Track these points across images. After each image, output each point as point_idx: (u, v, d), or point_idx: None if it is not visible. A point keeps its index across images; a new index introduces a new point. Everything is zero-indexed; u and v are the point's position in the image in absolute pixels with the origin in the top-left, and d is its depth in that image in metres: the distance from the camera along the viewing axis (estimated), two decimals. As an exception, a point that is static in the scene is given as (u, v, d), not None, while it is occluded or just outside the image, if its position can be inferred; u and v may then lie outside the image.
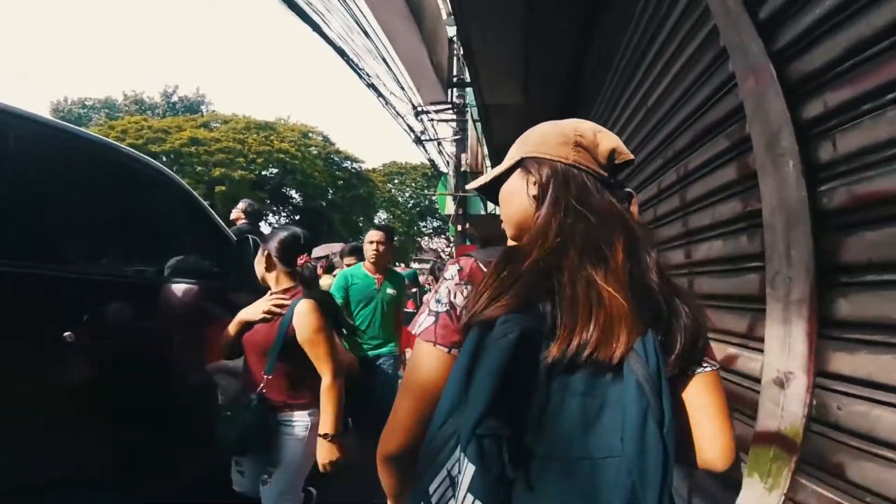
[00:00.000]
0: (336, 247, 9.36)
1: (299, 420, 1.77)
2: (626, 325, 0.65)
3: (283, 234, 1.91)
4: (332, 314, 1.90)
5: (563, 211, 0.75)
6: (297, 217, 29.42)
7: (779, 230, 1.09)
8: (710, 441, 0.72)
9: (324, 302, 1.84)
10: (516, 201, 0.83)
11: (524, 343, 0.62)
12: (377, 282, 3.36)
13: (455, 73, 6.98)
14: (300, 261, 1.90)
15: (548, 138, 0.82)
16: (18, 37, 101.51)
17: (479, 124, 6.58)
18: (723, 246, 1.45)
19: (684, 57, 1.66)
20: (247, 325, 1.83)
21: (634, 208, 0.82)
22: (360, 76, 7.17)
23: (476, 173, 8.42)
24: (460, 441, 0.61)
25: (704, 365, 0.74)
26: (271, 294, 1.86)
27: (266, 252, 1.89)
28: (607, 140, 0.81)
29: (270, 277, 1.89)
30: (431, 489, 0.64)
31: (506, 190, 0.87)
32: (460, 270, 0.76)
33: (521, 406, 0.63)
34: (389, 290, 3.40)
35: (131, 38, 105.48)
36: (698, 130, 1.56)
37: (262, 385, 1.73)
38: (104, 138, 2.15)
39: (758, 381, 1.17)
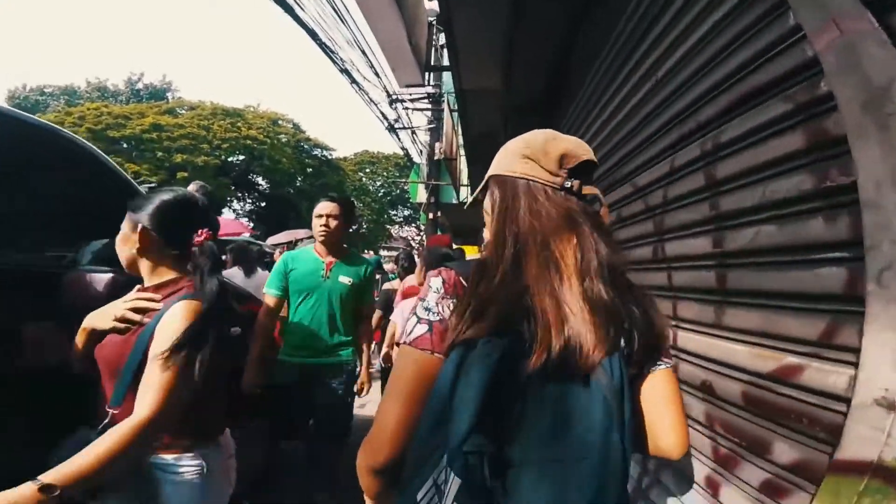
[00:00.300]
0: (301, 232, 9.01)
1: (187, 467, 1.20)
2: (591, 338, 0.70)
3: (163, 198, 1.27)
4: (222, 331, 1.34)
5: (514, 222, 0.80)
6: (263, 204, 28.92)
7: (889, 210, 0.85)
8: (666, 433, 0.78)
9: (215, 309, 1.21)
10: (487, 219, 0.89)
11: (505, 360, 0.67)
12: (325, 267, 2.57)
13: (433, 58, 6.89)
14: (196, 239, 1.29)
15: (503, 155, 0.88)
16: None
17: (455, 113, 6.53)
18: (778, 232, 1.15)
19: (714, 18, 1.42)
20: (96, 335, 1.26)
21: (604, 210, 0.86)
22: (334, 61, 7.01)
23: (450, 160, 8.38)
24: (447, 456, 0.65)
25: (660, 363, 0.79)
26: (138, 289, 1.27)
27: (137, 225, 1.24)
28: (557, 146, 0.84)
29: (144, 265, 1.27)
30: (419, 496, 0.68)
31: (484, 209, 0.92)
32: (444, 283, 0.79)
33: (503, 418, 0.67)
34: (342, 279, 2.57)
35: (98, 26, 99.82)
36: (736, 97, 1.31)
37: (105, 420, 1.13)
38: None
39: (839, 399, 0.95)
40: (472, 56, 3.86)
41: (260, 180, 28.68)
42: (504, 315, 0.70)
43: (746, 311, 1.26)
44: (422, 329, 0.76)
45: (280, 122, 29.52)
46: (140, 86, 34.42)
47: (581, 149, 0.85)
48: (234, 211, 28.50)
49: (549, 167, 0.82)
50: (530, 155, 0.84)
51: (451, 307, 0.75)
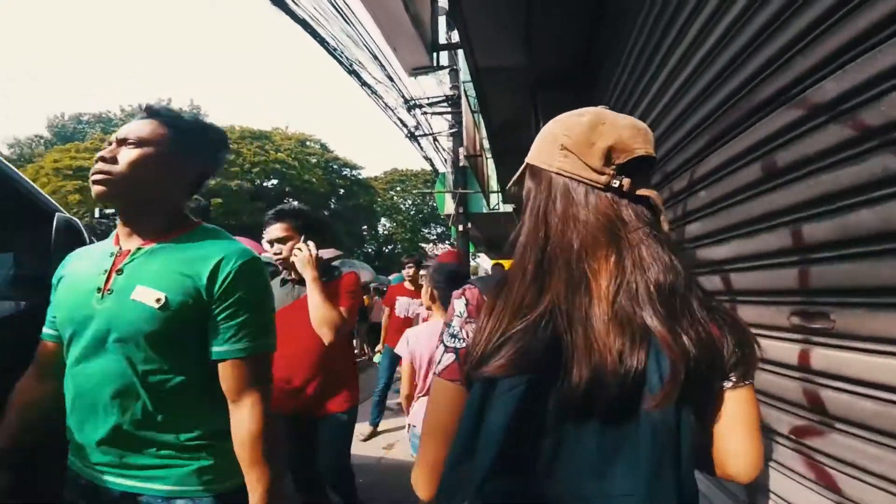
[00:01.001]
0: (327, 253, 8.52)
1: None
2: (624, 368, 0.62)
3: None
4: None
5: (544, 229, 0.70)
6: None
7: None
8: (735, 456, 0.69)
9: None
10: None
11: (529, 395, 0.62)
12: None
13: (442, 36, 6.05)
14: None
15: (541, 141, 0.76)
16: (18, 44, 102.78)
17: (473, 100, 5.77)
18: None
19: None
20: None
21: (663, 217, 0.70)
22: (340, 62, 6.43)
23: (474, 157, 7.54)
24: (468, 499, 0.62)
25: (734, 379, 0.69)
26: None
27: None
28: (606, 135, 0.70)
29: None
30: None
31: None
32: (468, 305, 0.74)
33: (531, 452, 0.63)
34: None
35: (128, 52, 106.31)
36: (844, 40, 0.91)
37: None
38: None
39: None
40: (483, 25, 3.11)
41: (294, 203, 28.71)
42: (524, 349, 0.63)
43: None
44: (449, 358, 0.72)
45: (308, 142, 29.82)
46: (169, 113, 35.52)
47: (636, 139, 0.70)
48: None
49: (593, 162, 0.69)
50: (570, 146, 0.71)
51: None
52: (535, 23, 2.99)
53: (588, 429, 0.63)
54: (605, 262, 0.66)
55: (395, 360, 4.26)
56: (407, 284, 4.76)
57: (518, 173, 0.80)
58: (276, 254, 2.08)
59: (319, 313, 1.90)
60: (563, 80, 3.45)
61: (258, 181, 26.03)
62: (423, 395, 2.33)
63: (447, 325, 0.74)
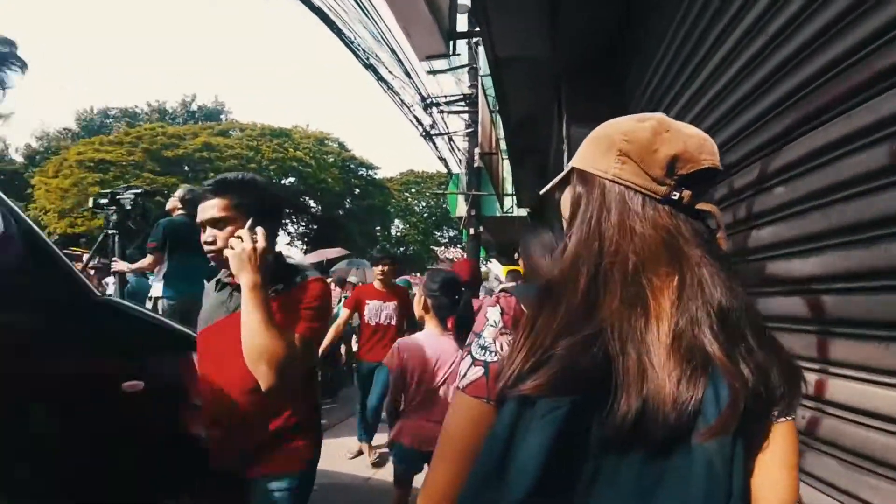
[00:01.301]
0: (332, 252, 8.45)
1: None
2: (679, 397, 0.57)
3: None
4: None
5: (598, 239, 0.65)
6: (315, 226, 29.34)
7: None
8: (772, 490, 0.64)
9: None
10: (564, 224, 0.76)
11: (572, 418, 0.58)
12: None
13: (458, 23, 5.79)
14: None
15: (593, 144, 0.71)
16: (52, 42, 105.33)
17: (492, 99, 5.55)
18: None
19: None
20: None
21: (721, 234, 0.68)
22: (357, 55, 6.30)
23: (489, 155, 7.30)
24: None
25: (776, 413, 0.64)
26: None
27: None
28: (671, 144, 0.64)
29: None
30: None
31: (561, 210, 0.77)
32: (503, 314, 0.69)
33: (567, 482, 0.59)
34: None
35: (155, 48, 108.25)
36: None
37: None
38: None
39: None
40: (503, 11, 2.91)
41: (311, 202, 29.11)
42: (569, 369, 0.58)
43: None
44: (476, 372, 0.67)
45: (326, 141, 29.91)
46: (194, 107, 35.92)
47: (703, 150, 0.65)
48: (289, 234, 29.44)
49: (654, 172, 0.64)
50: (630, 152, 0.65)
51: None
52: (564, 7, 2.78)
53: (630, 458, 0.59)
54: (666, 280, 0.63)
55: (370, 375, 3.87)
56: (377, 285, 3.98)
57: (559, 177, 0.75)
58: (206, 242, 1.40)
59: (256, 341, 1.25)
60: (592, 69, 3.21)
61: (275, 179, 26.18)
62: (416, 409, 2.16)
63: (477, 335, 0.69)
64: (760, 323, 0.65)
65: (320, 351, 3.73)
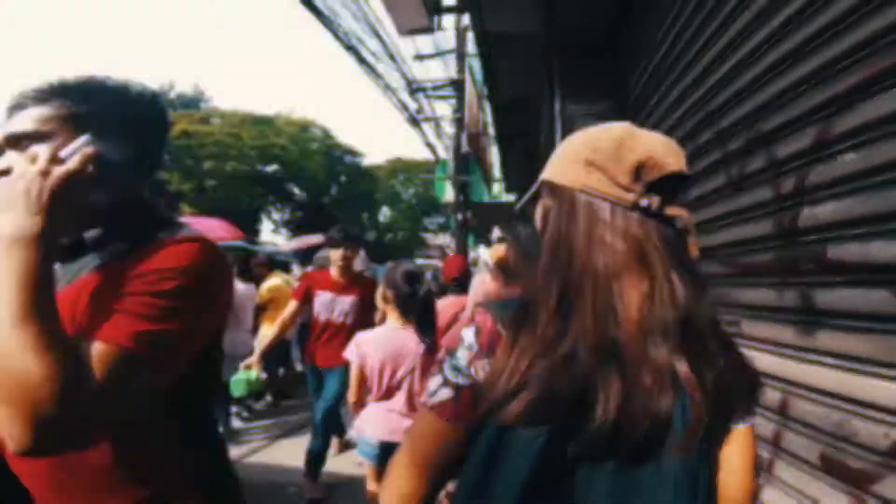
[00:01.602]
0: (314, 238, 8.14)
1: None
2: (653, 412, 0.59)
3: None
4: None
5: (567, 252, 0.65)
6: (300, 214, 28.99)
7: None
8: (729, 493, 0.67)
9: None
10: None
11: (554, 441, 0.60)
12: None
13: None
14: None
15: (561, 156, 0.71)
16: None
17: (479, 83, 5.35)
18: None
19: None
20: None
21: (693, 240, 0.67)
22: (336, 34, 6.03)
23: (476, 136, 7.12)
24: None
25: (740, 421, 0.67)
26: None
27: None
28: (636, 151, 0.65)
29: None
30: None
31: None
32: (478, 335, 0.67)
33: (550, 493, 0.61)
34: None
35: (131, 35, 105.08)
36: None
37: None
38: None
39: None
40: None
41: (295, 190, 28.72)
42: (548, 395, 0.58)
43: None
44: (446, 394, 0.66)
45: (310, 128, 29.42)
46: (172, 95, 34.96)
47: (668, 154, 0.65)
48: (274, 222, 29.11)
49: (621, 179, 0.65)
50: (596, 161, 0.66)
51: (486, 369, 0.64)
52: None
53: (603, 470, 0.61)
54: (635, 290, 0.63)
55: (320, 381, 3.28)
56: (334, 273, 3.17)
57: (531, 191, 0.76)
58: None
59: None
60: (588, 46, 3.02)
61: (258, 166, 25.69)
62: (378, 400, 2.17)
63: (450, 353, 0.68)
64: (722, 329, 0.67)
65: (258, 354, 3.17)
